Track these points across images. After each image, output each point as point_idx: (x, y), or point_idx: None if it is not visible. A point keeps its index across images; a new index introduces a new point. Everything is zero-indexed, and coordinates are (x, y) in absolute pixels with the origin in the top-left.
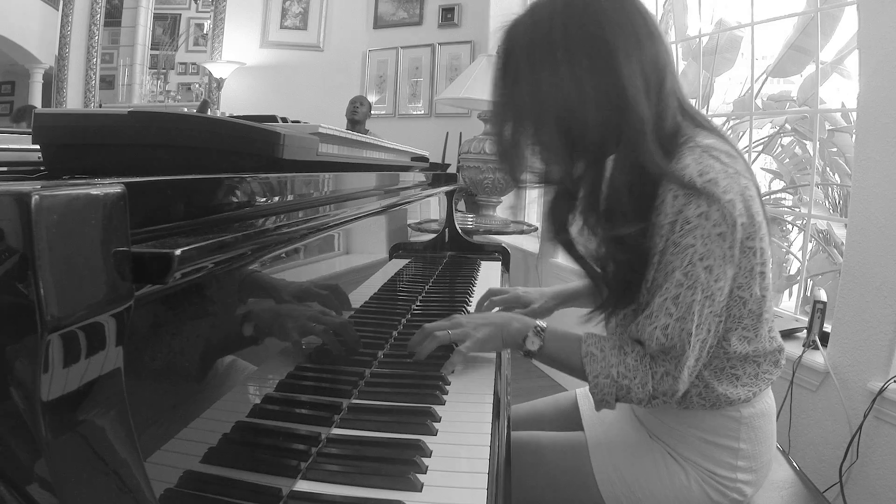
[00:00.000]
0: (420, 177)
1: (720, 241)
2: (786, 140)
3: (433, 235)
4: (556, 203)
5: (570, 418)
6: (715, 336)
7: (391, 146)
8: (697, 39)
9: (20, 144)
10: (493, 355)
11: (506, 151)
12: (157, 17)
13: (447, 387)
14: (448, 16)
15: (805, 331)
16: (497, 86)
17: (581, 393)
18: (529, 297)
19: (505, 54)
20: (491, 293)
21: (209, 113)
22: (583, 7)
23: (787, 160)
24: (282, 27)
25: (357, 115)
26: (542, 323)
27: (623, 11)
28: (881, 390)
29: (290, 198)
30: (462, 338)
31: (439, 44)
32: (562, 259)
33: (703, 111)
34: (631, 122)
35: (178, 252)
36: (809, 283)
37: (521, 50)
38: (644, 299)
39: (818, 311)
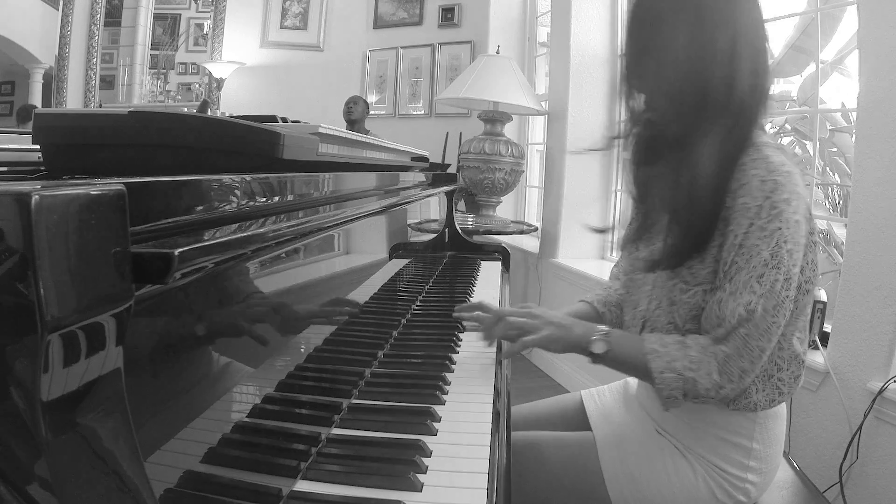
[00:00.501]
0: (420, 177)
1: (798, 228)
2: (786, 140)
3: (433, 235)
4: (651, 142)
5: (572, 420)
6: (785, 323)
7: (391, 146)
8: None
9: (20, 144)
10: (493, 355)
11: (631, 83)
12: (157, 17)
13: (447, 387)
14: (448, 16)
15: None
16: (635, 28)
17: (587, 394)
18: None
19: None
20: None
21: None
22: None
23: None
24: (282, 27)
25: (352, 114)
26: (604, 327)
27: None
28: (881, 390)
29: (290, 198)
30: (532, 329)
31: (439, 44)
32: (562, 259)
33: None
34: (734, 97)
35: (177, 252)
36: None
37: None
38: (716, 282)
39: (818, 311)
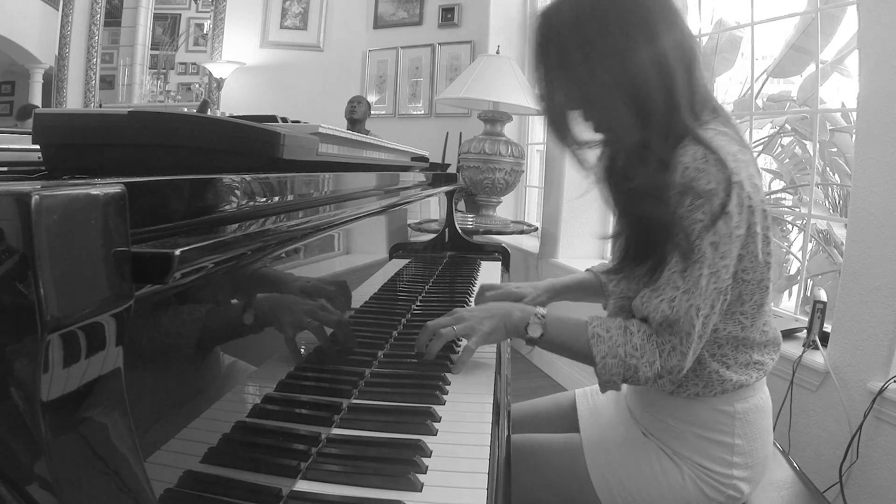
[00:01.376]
0: (420, 177)
1: (727, 219)
2: (786, 140)
3: (433, 235)
4: (604, 155)
5: (568, 417)
6: (719, 315)
7: (391, 146)
8: (697, 39)
9: (20, 144)
10: (493, 356)
11: (556, 122)
12: (157, 17)
13: (447, 387)
14: (448, 16)
15: (805, 331)
16: (541, 66)
17: (580, 393)
18: (522, 291)
19: (546, 36)
20: (483, 289)
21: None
22: None
23: (787, 160)
24: (282, 27)
25: (355, 114)
26: (541, 310)
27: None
28: (881, 390)
29: (290, 198)
30: (468, 332)
31: (439, 44)
32: (562, 259)
33: None
34: (673, 93)
35: (178, 252)
36: (809, 283)
37: (567, 28)
38: (650, 275)
39: (818, 311)
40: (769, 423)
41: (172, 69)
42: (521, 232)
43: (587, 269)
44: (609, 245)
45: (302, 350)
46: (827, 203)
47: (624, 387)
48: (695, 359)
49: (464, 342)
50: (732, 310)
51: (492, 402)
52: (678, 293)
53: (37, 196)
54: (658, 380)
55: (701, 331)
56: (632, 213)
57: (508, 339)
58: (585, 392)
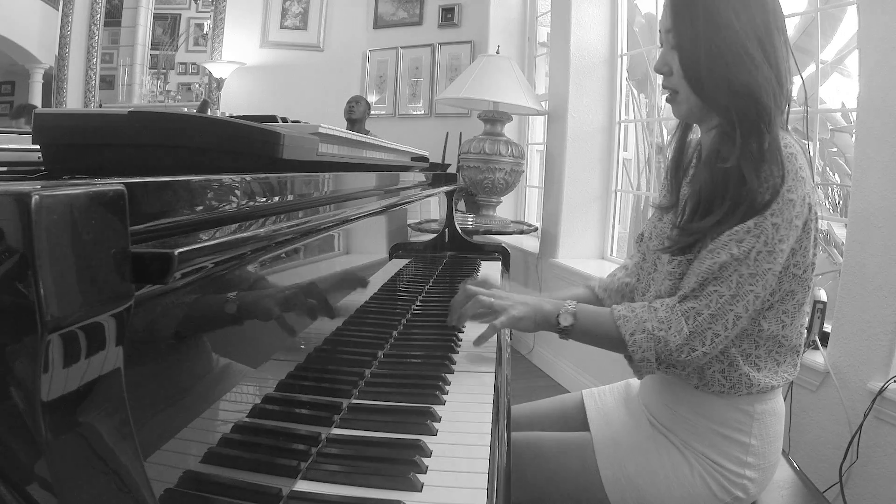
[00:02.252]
0: (420, 177)
1: (790, 206)
2: None
3: (433, 235)
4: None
5: (572, 419)
6: (760, 299)
7: (391, 146)
8: None
9: (20, 144)
10: (493, 356)
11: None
12: (157, 17)
13: (447, 387)
14: (448, 16)
15: (805, 331)
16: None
17: (588, 394)
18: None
19: None
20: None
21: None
22: None
23: None
24: (282, 27)
25: (353, 114)
26: (571, 302)
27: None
28: (881, 390)
29: (290, 198)
30: (501, 309)
31: (439, 44)
32: (562, 259)
33: None
34: (774, 85)
35: (177, 252)
36: None
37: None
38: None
39: (818, 311)
40: (782, 429)
41: (172, 69)
42: (521, 232)
43: (584, 286)
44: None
45: (302, 350)
46: (827, 203)
47: (636, 385)
48: (730, 337)
49: (463, 333)
50: (777, 306)
51: (492, 402)
52: (731, 257)
53: (37, 196)
54: (692, 351)
55: (749, 306)
56: (716, 186)
57: (509, 340)
58: (593, 393)
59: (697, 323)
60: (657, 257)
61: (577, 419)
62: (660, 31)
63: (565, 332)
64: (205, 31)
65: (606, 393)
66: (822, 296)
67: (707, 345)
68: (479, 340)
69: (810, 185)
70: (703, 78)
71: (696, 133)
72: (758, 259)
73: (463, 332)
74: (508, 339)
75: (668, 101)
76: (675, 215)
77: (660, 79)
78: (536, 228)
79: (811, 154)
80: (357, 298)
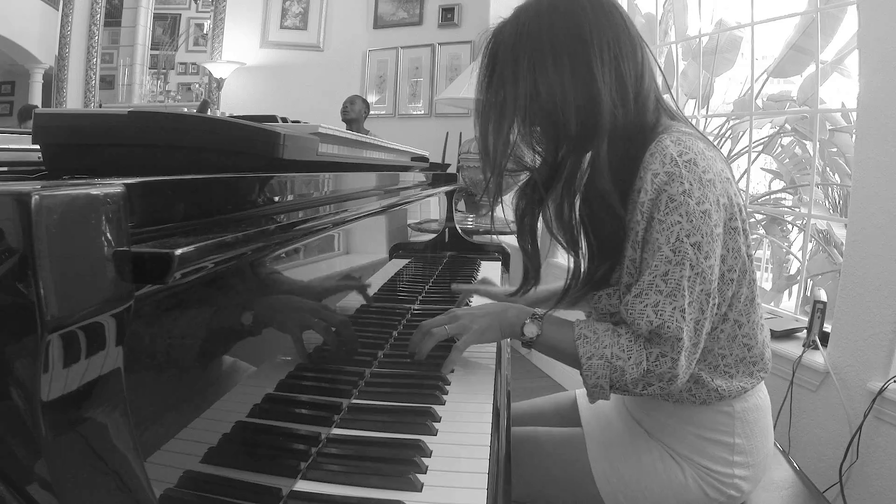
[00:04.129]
0: (420, 177)
1: (706, 219)
2: (786, 140)
3: (433, 235)
4: (529, 190)
5: (568, 417)
6: (710, 319)
7: (391, 146)
8: (697, 39)
9: (20, 144)
10: (493, 355)
11: (488, 147)
12: (157, 17)
13: (447, 387)
14: (448, 16)
15: (805, 331)
16: (482, 85)
17: (581, 393)
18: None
19: (491, 55)
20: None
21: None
22: (565, 9)
23: (787, 160)
24: (282, 27)
25: (348, 114)
26: (539, 310)
27: (603, 14)
28: (881, 390)
29: (290, 198)
30: (460, 331)
31: (439, 44)
32: (562, 259)
33: (703, 111)
34: (601, 121)
35: (177, 252)
36: (809, 283)
37: (506, 50)
38: (628, 280)
39: (818, 311)
40: (769, 422)
41: (172, 69)
42: None
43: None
44: None
45: (302, 349)
46: (827, 203)
47: None
48: (690, 371)
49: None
50: (729, 314)
51: (492, 402)
52: (661, 297)
53: (37, 196)
54: (647, 386)
55: (693, 337)
56: (593, 226)
57: (508, 339)
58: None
59: (657, 361)
60: None
61: (571, 416)
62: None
63: (529, 344)
64: (205, 31)
65: None
66: (822, 296)
67: (665, 381)
68: (445, 368)
69: (722, 183)
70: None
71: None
72: (689, 287)
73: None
74: (509, 339)
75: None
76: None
77: (660, 78)
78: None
79: (812, 153)
80: (357, 298)
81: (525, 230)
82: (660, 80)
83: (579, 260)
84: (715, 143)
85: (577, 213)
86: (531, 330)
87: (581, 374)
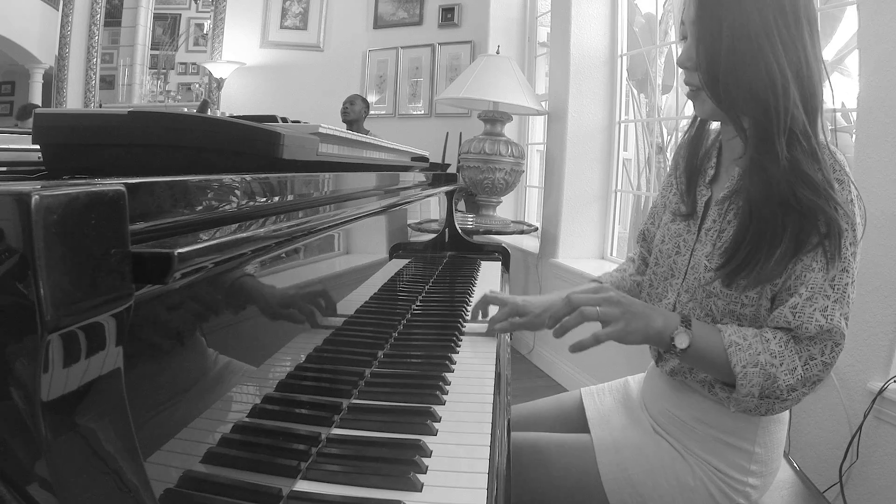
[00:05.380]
0: (420, 177)
1: (859, 230)
2: None
3: (433, 235)
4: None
5: (572, 419)
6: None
7: (391, 146)
8: None
9: (20, 144)
10: (493, 356)
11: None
12: (157, 17)
13: (447, 387)
14: (448, 16)
15: None
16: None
17: (586, 393)
18: (528, 307)
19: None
20: (486, 301)
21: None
22: None
23: None
24: (282, 27)
25: (348, 115)
26: (683, 315)
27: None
28: (881, 390)
29: (290, 198)
30: (609, 320)
31: (439, 44)
32: (562, 259)
33: None
34: (818, 94)
35: (178, 252)
36: None
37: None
38: (777, 280)
39: None
40: (785, 435)
41: (172, 69)
42: (521, 232)
43: (592, 281)
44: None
45: (302, 350)
46: None
47: (635, 385)
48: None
49: (463, 334)
50: None
51: (492, 402)
52: (829, 302)
53: (37, 196)
54: (791, 391)
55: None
56: (781, 200)
57: (508, 338)
58: (592, 392)
59: (808, 364)
60: (673, 262)
61: (577, 419)
62: (682, 21)
63: (678, 354)
64: (205, 31)
65: (605, 392)
66: None
67: (809, 385)
68: (576, 347)
69: (860, 201)
70: (720, 78)
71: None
72: (850, 295)
73: (463, 333)
74: (508, 339)
75: (688, 96)
76: (693, 223)
77: (660, 78)
78: (536, 228)
79: None
80: (357, 298)
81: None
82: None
83: (766, 232)
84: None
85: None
86: (682, 340)
87: (736, 384)
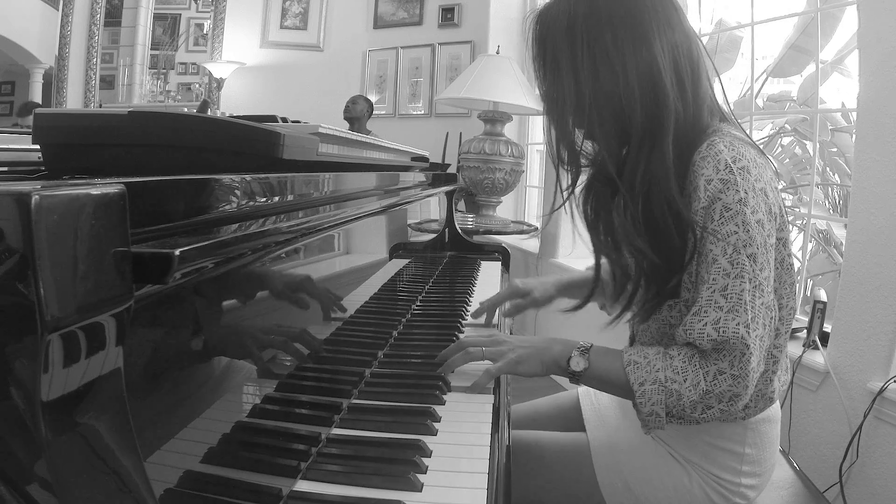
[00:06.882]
0: (420, 177)
1: (760, 229)
2: (786, 140)
3: (433, 235)
4: (597, 189)
5: (570, 418)
6: (771, 333)
7: (391, 146)
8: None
9: (20, 144)
10: None
11: (552, 143)
12: (157, 17)
13: (447, 387)
14: (448, 16)
15: (805, 331)
16: (538, 78)
17: (583, 392)
18: (528, 286)
19: (539, 42)
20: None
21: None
22: None
23: (787, 160)
24: (282, 27)
25: (350, 113)
26: (584, 342)
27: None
28: (881, 390)
29: (290, 198)
30: (496, 357)
31: (439, 44)
32: (562, 259)
33: None
34: (666, 114)
35: (178, 252)
36: (809, 283)
37: (558, 34)
38: (685, 295)
39: (818, 311)
40: (777, 432)
41: (172, 69)
42: (521, 232)
43: (587, 268)
44: None
45: (302, 349)
46: (827, 203)
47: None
48: (752, 390)
49: (486, 363)
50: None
51: (492, 402)
52: (721, 313)
53: (37, 196)
54: (706, 409)
55: (758, 353)
56: (657, 234)
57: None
58: (588, 391)
59: (716, 379)
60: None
61: (575, 418)
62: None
63: (576, 378)
64: (205, 31)
65: (602, 392)
66: (822, 296)
67: (726, 400)
68: (473, 388)
69: (773, 193)
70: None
71: None
72: (750, 301)
73: (463, 333)
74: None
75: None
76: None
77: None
78: (536, 228)
79: (812, 153)
80: (357, 298)
81: (599, 233)
82: (714, 80)
83: (642, 266)
84: None
85: (641, 216)
86: (578, 363)
87: (634, 404)
